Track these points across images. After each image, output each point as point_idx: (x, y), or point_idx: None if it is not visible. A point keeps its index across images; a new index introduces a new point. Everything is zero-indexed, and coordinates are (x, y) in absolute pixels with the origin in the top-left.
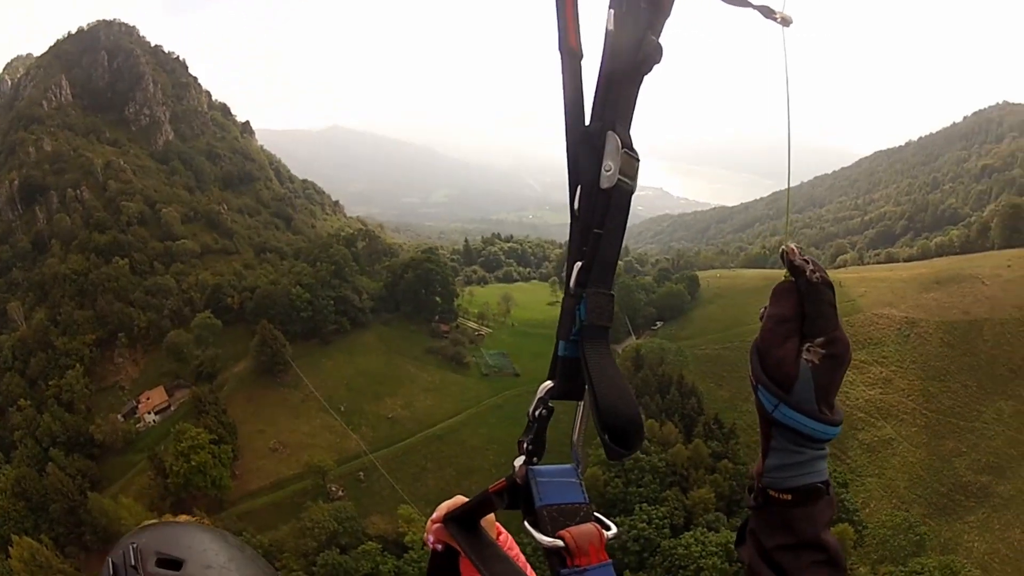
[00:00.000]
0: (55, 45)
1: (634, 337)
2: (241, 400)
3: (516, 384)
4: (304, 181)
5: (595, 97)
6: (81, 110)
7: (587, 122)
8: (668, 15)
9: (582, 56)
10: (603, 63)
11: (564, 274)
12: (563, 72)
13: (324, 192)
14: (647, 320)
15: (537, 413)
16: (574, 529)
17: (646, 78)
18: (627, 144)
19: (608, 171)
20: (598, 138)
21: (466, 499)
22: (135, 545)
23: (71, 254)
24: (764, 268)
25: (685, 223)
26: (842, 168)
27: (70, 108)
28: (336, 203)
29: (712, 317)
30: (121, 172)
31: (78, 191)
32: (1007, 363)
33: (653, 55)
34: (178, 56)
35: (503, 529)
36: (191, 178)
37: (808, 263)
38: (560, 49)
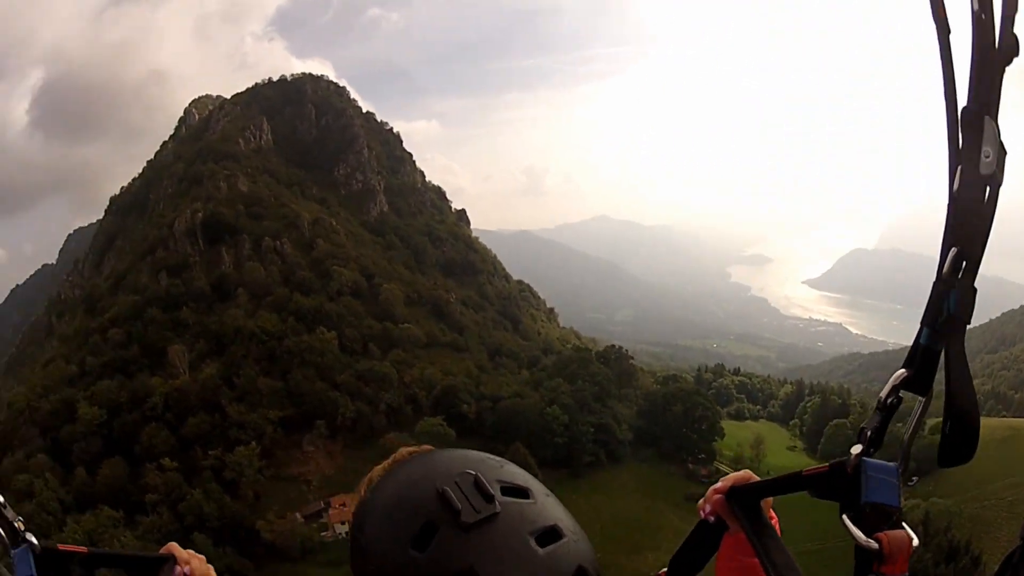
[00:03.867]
0: (253, 88)
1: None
2: None
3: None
4: (519, 282)
5: (970, 79)
6: (283, 159)
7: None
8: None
9: (949, 31)
10: (973, 45)
11: (938, 259)
12: (940, 44)
13: (539, 296)
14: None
15: (889, 401)
16: (891, 533)
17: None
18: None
19: (987, 157)
20: (976, 120)
21: (752, 475)
22: (474, 472)
23: (262, 310)
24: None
25: (877, 363)
26: None
27: (270, 153)
28: (551, 310)
29: (962, 471)
30: (334, 233)
31: (278, 242)
32: None
33: (1015, 46)
34: (391, 127)
35: (775, 515)
36: (410, 256)
37: None
38: (934, 18)
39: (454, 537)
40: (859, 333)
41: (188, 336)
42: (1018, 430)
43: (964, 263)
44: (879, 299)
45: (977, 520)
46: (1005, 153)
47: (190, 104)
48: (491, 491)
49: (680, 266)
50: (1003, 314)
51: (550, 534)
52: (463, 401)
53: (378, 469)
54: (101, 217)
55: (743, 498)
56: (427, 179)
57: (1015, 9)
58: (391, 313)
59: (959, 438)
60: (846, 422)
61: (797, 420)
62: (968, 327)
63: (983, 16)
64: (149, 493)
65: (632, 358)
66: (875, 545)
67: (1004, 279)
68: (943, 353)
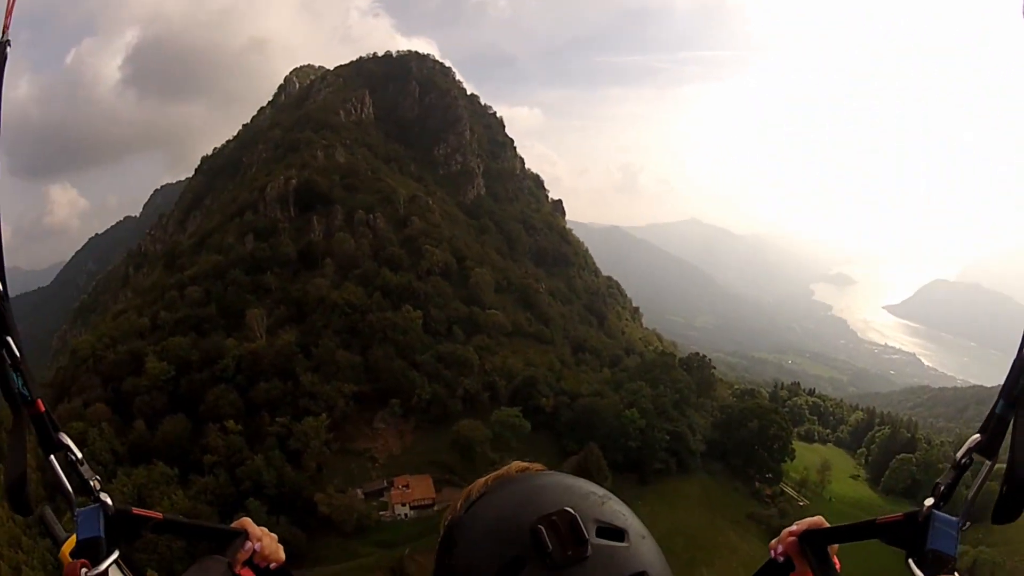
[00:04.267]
0: (357, 61)
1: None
2: None
3: None
4: (608, 278)
5: None
6: (383, 134)
7: None
8: None
9: None
10: None
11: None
12: None
13: (626, 294)
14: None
15: (963, 461)
16: None
17: None
18: None
19: None
20: None
21: (824, 521)
22: (572, 512)
23: (348, 282)
24: None
25: (945, 399)
26: None
27: (370, 127)
28: (636, 309)
29: (1014, 525)
30: (429, 212)
31: (371, 215)
32: None
33: None
34: (495, 112)
35: (838, 561)
36: (503, 242)
37: None
38: None
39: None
40: (931, 366)
41: (269, 301)
42: None
43: None
44: (955, 333)
45: (1016, 574)
46: None
47: (291, 72)
48: (585, 534)
49: (765, 278)
50: None
51: None
52: (542, 394)
53: (479, 484)
54: (191, 176)
55: (815, 542)
56: (526, 166)
57: None
58: (479, 298)
59: (1012, 501)
60: (911, 457)
61: (864, 449)
62: None
63: None
64: (208, 454)
65: (714, 368)
66: None
67: None
68: (1012, 422)
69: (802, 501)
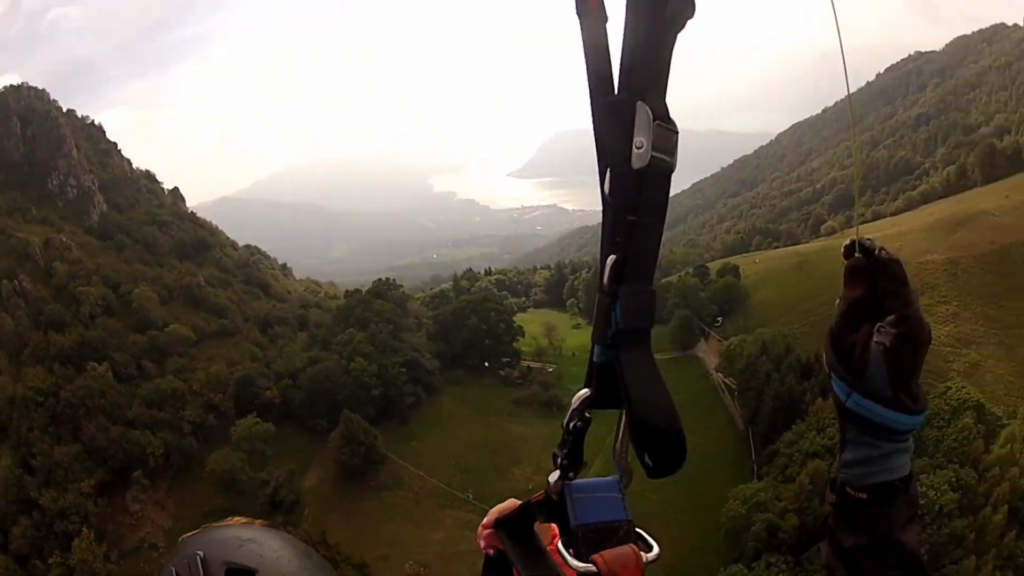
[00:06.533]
0: None
1: (704, 340)
2: (337, 523)
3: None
4: (246, 247)
5: (621, 63)
6: None
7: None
8: None
9: (606, 18)
10: (627, 22)
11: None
12: (583, 35)
13: (270, 255)
14: (704, 319)
15: (572, 425)
16: (608, 553)
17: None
18: (661, 115)
19: (640, 148)
20: (627, 110)
21: (516, 502)
22: (201, 554)
23: (25, 367)
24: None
25: None
26: (762, 147)
27: None
28: (284, 265)
29: (771, 301)
30: (67, 250)
31: (15, 282)
32: None
33: (684, 10)
34: (93, 120)
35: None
36: (143, 252)
37: (875, 243)
38: (577, 11)
39: None
40: (576, 208)
41: None
42: (805, 255)
43: (626, 268)
44: (590, 174)
45: (804, 339)
46: (674, 132)
47: None
48: (209, 573)
49: (380, 192)
50: (736, 160)
51: None
52: (262, 388)
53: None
54: None
55: (512, 527)
56: (135, 166)
57: None
58: (151, 319)
59: (658, 452)
60: None
61: (572, 299)
62: (661, 222)
63: None
64: None
65: (402, 286)
66: (592, 568)
67: (721, 131)
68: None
69: (550, 367)
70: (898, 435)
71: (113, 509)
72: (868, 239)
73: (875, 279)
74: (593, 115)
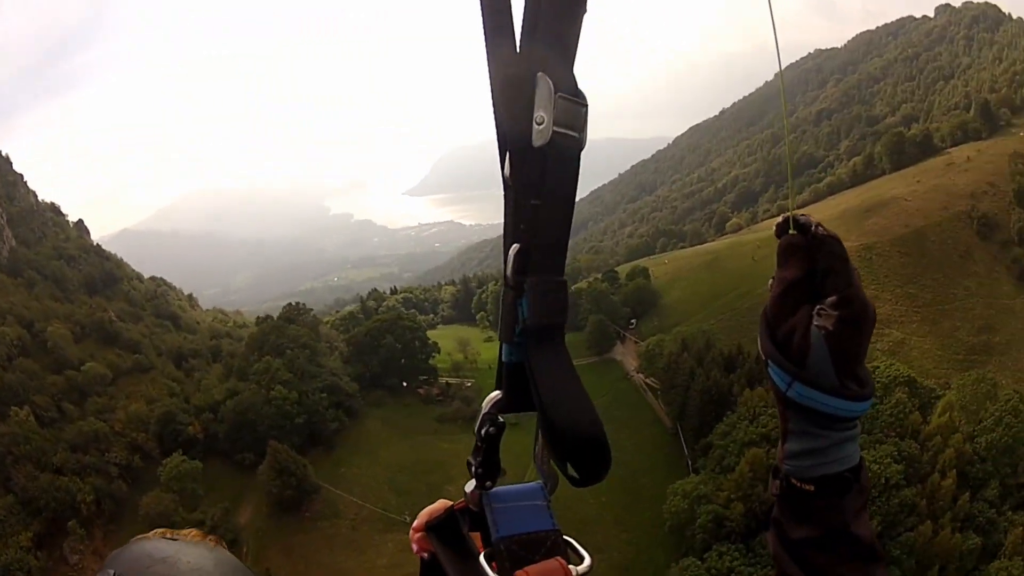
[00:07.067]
0: None
1: (620, 343)
2: (279, 558)
3: None
4: (153, 278)
5: (521, 32)
6: None
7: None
8: None
9: None
10: None
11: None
12: (481, 3)
13: (175, 286)
14: (618, 322)
15: (484, 431)
16: (533, 569)
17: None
18: (565, 87)
19: (540, 124)
20: (527, 83)
21: (446, 503)
22: (112, 572)
23: None
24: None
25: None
26: (660, 150)
27: None
28: (190, 296)
29: (685, 300)
30: None
31: None
32: (956, 250)
33: None
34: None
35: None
36: (53, 287)
37: (811, 219)
38: None
39: None
40: (472, 223)
41: None
42: (715, 253)
43: (531, 258)
44: (485, 187)
45: (711, 332)
46: (582, 105)
47: None
48: None
49: (277, 217)
50: (633, 165)
51: None
52: (184, 424)
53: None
54: None
55: (441, 530)
56: (40, 198)
57: None
58: (66, 359)
59: (578, 458)
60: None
61: (482, 312)
62: (576, 200)
63: None
64: None
65: (312, 310)
66: None
67: (615, 138)
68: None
69: (468, 381)
70: (845, 423)
71: (53, 561)
72: (803, 215)
73: (812, 258)
74: (492, 91)
